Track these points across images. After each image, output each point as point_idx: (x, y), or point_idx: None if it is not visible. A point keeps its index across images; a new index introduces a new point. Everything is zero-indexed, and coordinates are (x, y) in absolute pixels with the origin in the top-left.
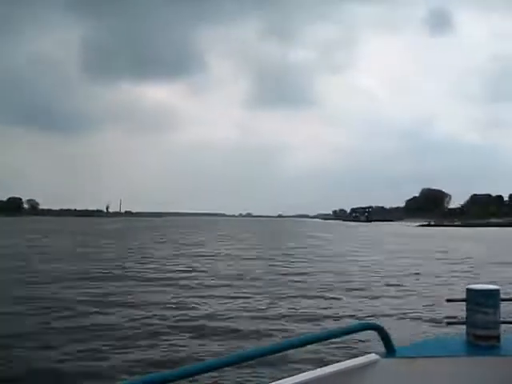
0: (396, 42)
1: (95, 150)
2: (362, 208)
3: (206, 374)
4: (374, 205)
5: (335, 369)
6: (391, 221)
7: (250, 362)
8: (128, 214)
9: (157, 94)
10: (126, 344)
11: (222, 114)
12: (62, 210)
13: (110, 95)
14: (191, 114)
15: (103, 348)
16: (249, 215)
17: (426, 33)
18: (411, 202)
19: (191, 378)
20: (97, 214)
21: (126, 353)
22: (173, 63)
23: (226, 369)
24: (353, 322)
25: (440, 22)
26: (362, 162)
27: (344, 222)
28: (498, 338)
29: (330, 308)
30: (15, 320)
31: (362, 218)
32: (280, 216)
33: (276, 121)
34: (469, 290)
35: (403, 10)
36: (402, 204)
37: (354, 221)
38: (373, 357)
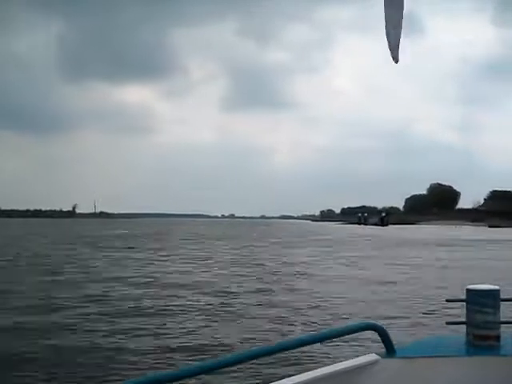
0: (371, 43)
1: (70, 150)
2: (352, 208)
3: (205, 374)
4: (365, 204)
5: (335, 369)
6: (412, 223)
7: (250, 362)
8: (103, 215)
9: (134, 95)
10: None
11: (200, 115)
12: (28, 210)
13: (86, 96)
14: (169, 115)
15: None
16: (232, 216)
17: (404, 34)
18: (413, 201)
19: (191, 378)
20: (65, 215)
21: None
22: (150, 64)
23: (226, 369)
24: (353, 322)
25: (412, 25)
26: (344, 163)
27: (345, 226)
28: (498, 338)
29: None
30: None
31: (372, 220)
32: (263, 217)
33: (256, 122)
34: (469, 290)
35: (377, 13)
36: (395, 203)
37: (359, 223)
38: (373, 357)
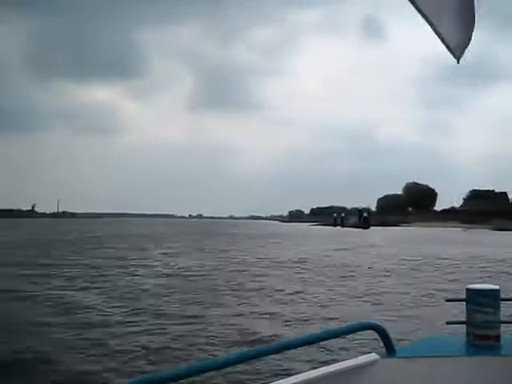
0: (338, 46)
1: (35, 150)
2: (322, 208)
3: (206, 374)
4: (334, 205)
5: (335, 369)
6: (395, 225)
7: (250, 362)
8: (67, 214)
9: (100, 94)
10: None
11: (168, 115)
12: None
13: (52, 96)
14: (136, 115)
15: None
16: (199, 216)
17: (366, 37)
18: (386, 201)
19: (191, 379)
20: (25, 214)
21: None
22: (117, 64)
23: (226, 369)
24: (353, 322)
25: (376, 28)
26: (312, 163)
27: (317, 227)
28: (498, 337)
29: None
30: None
31: (350, 221)
32: (232, 217)
33: (224, 122)
34: (469, 290)
35: (343, 15)
36: (364, 204)
37: (335, 225)
38: (373, 357)
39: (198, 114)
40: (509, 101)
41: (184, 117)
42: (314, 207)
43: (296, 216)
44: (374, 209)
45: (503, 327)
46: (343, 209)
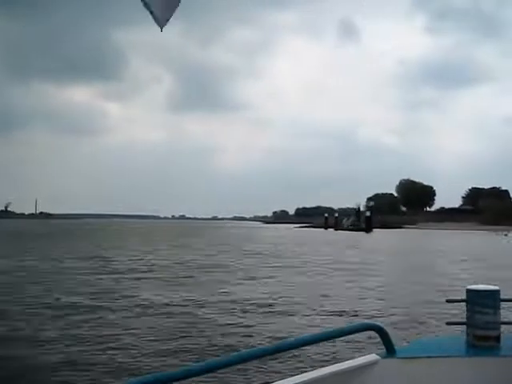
0: (315, 46)
1: (14, 151)
2: (308, 208)
3: (205, 374)
4: (320, 205)
5: (335, 369)
6: (398, 227)
7: (250, 362)
8: (44, 215)
9: (80, 95)
10: None
11: (148, 115)
12: None
13: (31, 97)
14: (117, 116)
15: None
16: (182, 217)
17: (343, 38)
18: (377, 201)
19: (191, 379)
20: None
21: None
22: (97, 65)
23: (227, 369)
24: (353, 323)
25: (352, 30)
26: (294, 164)
27: (304, 230)
28: (497, 338)
29: None
30: None
31: (348, 222)
32: (215, 218)
33: (205, 123)
34: (469, 291)
35: (320, 16)
36: (352, 204)
37: (326, 227)
38: (373, 357)
39: (178, 115)
40: (485, 101)
41: (165, 117)
42: (300, 207)
43: (280, 217)
44: (362, 208)
45: (503, 328)
46: (330, 209)
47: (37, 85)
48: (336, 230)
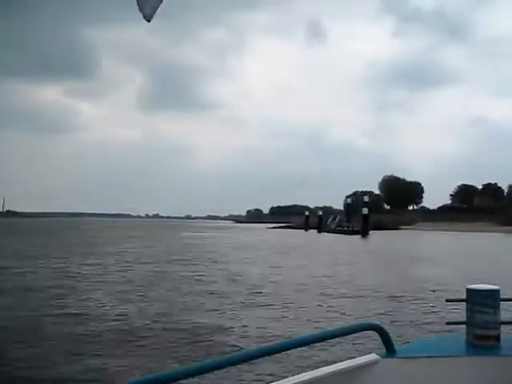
0: (286, 47)
1: None
2: (282, 207)
3: (205, 374)
4: (295, 203)
5: (335, 369)
6: (395, 228)
7: (250, 362)
8: (10, 213)
9: (52, 94)
10: None
11: (121, 114)
12: None
13: (1, 96)
14: (89, 115)
15: None
16: (156, 216)
17: (313, 39)
18: (356, 199)
19: (191, 379)
20: None
21: None
22: (68, 64)
23: (227, 369)
24: (353, 322)
25: (320, 31)
26: (268, 163)
27: (283, 232)
28: (497, 338)
29: None
30: None
31: (336, 223)
32: (189, 217)
33: (177, 122)
34: (469, 290)
35: (290, 17)
36: (328, 202)
37: (306, 228)
38: (373, 357)
39: (151, 114)
40: (454, 102)
41: (138, 116)
42: (274, 206)
43: (255, 216)
44: (340, 208)
45: (503, 327)
46: (306, 207)
47: (7, 83)
48: (320, 232)
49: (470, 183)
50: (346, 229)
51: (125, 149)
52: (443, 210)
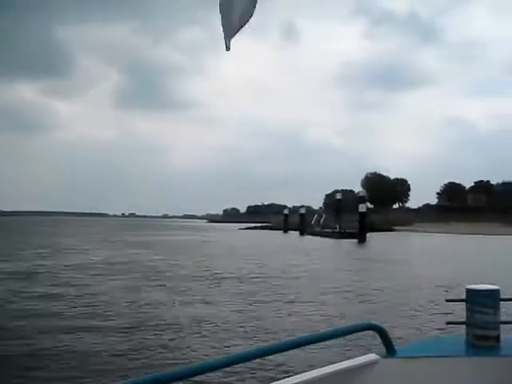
0: (262, 46)
1: None
2: (259, 206)
3: (205, 374)
4: (274, 202)
5: (335, 369)
6: (389, 230)
7: (250, 362)
8: None
9: (26, 93)
10: None
11: (97, 113)
12: None
13: None
14: (64, 114)
15: None
16: (132, 215)
17: (288, 39)
18: (347, 195)
19: (191, 379)
20: None
21: None
22: (43, 63)
23: (226, 369)
24: (353, 322)
25: (296, 31)
26: (244, 162)
27: (257, 234)
28: (497, 338)
29: None
30: None
31: (322, 224)
32: (165, 216)
33: (154, 121)
34: (469, 290)
35: (266, 17)
36: (305, 202)
37: (285, 230)
38: (373, 357)
39: (127, 113)
40: (428, 103)
41: (113, 115)
42: (251, 205)
43: (231, 215)
44: (317, 208)
45: (503, 327)
46: (284, 207)
47: None
48: (302, 234)
49: (453, 181)
50: (335, 231)
51: (101, 148)
52: (436, 209)
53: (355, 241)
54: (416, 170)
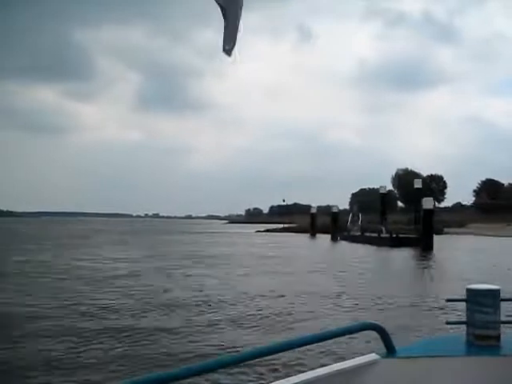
0: (278, 49)
1: None
2: (283, 206)
3: (205, 374)
4: (297, 202)
5: (335, 369)
6: (441, 232)
7: (249, 362)
8: (7, 213)
9: (49, 95)
10: None
11: (118, 115)
12: None
13: None
14: (88, 116)
15: None
16: (156, 216)
17: (305, 41)
18: (365, 198)
19: (191, 379)
20: None
21: None
22: (65, 65)
23: (227, 369)
24: (353, 322)
25: (312, 33)
26: (268, 163)
27: (286, 237)
28: (498, 337)
29: None
30: None
31: (354, 226)
32: (189, 217)
33: (175, 123)
34: (469, 290)
35: (283, 18)
36: (330, 202)
37: (312, 232)
38: (373, 357)
39: (148, 115)
40: (444, 102)
41: (135, 117)
42: (274, 205)
43: (254, 215)
44: (346, 207)
45: (503, 327)
46: (307, 206)
47: (4, 85)
48: (335, 239)
49: (491, 178)
50: (382, 235)
51: (122, 149)
52: (487, 207)
53: (412, 249)
54: (440, 168)
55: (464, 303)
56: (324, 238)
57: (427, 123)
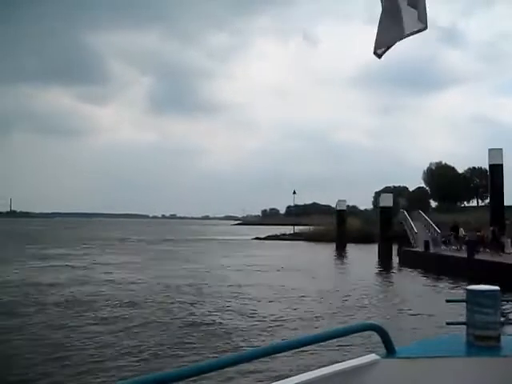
0: (288, 50)
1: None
2: (300, 206)
3: (205, 374)
4: (308, 202)
5: (335, 369)
6: None
7: (250, 362)
8: (20, 214)
9: (64, 98)
10: None
11: (133, 117)
12: None
13: (10, 99)
14: (103, 118)
15: None
16: (173, 217)
17: (311, 44)
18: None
19: (191, 379)
20: None
21: None
22: (78, 68)
23: (226, 369)
24: (353, 323)
25: (319, 35)
26: (282, 164)
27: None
28: (498, 338)
29: None
30: None
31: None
32: (206, 217)
33: (189, 125)
34: (469, 291)
35: (291, 21)
36: (349, 202)
37: (339, 241)
38: (373, 357)
39: (162, 117)
40: (455, 103)
41: (149, 119)
42: (291, 205)
43: (270, 215)
44: (370, 207)
45: (503, 328)
46: (327, 207)
47: (16, 87)
48: (401, 263)
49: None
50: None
51: (138, 151)
52: None
53: None
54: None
55: (464, 304)
56: (366, 255)
57: (438, 123)
